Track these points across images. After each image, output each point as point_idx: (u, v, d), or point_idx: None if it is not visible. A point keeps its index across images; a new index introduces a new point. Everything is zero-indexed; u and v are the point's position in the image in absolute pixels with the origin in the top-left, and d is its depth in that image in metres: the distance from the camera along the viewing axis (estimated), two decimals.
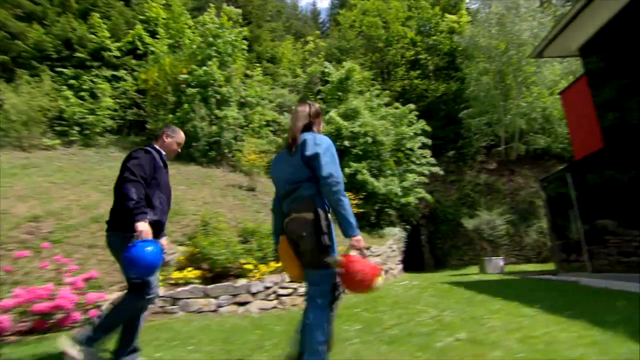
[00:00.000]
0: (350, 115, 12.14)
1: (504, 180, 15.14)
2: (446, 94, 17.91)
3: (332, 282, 2.00)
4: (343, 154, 11.61)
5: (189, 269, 4.86)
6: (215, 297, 4.66)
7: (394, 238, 11.11)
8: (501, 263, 10.20)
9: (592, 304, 4.27)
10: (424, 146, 13.08)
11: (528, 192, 14.16)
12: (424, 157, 12.96)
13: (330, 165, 1.98)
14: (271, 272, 5.14)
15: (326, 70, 14.01)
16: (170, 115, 11.01)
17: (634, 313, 3.57)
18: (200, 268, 5.01)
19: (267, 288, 4.91)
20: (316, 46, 18.72)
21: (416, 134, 12.73)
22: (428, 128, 12.84)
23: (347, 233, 2.00)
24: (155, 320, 4.12)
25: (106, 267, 5.04)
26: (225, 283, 4.79)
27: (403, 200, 11.61)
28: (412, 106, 12.86)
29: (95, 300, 3.79)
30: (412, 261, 13.90)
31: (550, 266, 10.05)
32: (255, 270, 5.01)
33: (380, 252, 8.65)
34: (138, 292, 2.41)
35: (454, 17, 18.52)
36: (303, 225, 2.00)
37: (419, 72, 18.53)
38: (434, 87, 17.85)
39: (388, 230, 11.31)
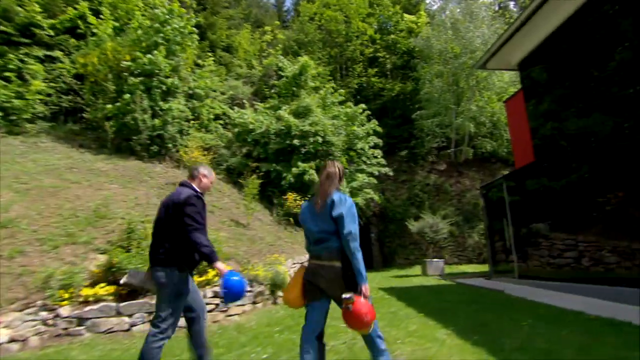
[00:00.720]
0: (302, 113, 11.97)
1: (452, 182, 15.68)
2: (402, 94, 18.16)
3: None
4: (292, 153, 11.46)
5: (102, 284, 4.54)
6: (129, 316, 4.40)
7: None
8: (441, 265, 10.56)
9: (503, 323, 4.44)
10: (375, 146, 13.19)
11: (473, 194, 14.76)
12: (375, 157, 13.07)
13: (351, 224, 2.40)
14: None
15: (281, 64, 13.68)
16: (110, 105, 10.28)
17: (534, 337, 3.74)
18: (115, 282, 4.69)
19: None
20: (274, 37, 18.23)
21: (368, 134, 12.80)
22: (379, 129, 12.93)
23: (358, 280, 2.40)
24: (51, 347, 3.80)
25: (8, 281, 4.61)
26: (141, 300, 4.53)
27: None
28: (363, 106, 12.87)
29: None
30: (363, 259, 14.11)
31: (487, 268, 10.56)
32: None
33: None
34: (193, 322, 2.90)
35: (412, 18, 18.69)
36: (332, 271, 2.42)
37: (376, 69, 18.61)
38: (390, 86, 18.02)
39: None
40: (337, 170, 2.62)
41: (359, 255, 2.40)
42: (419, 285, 8.46)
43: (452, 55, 15.65)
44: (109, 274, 4.74)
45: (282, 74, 13.61)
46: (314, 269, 2.50)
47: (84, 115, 11.23)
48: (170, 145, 10.74)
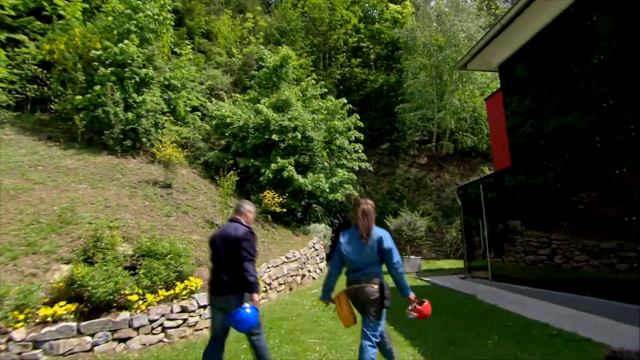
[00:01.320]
0: (282, 107, 11.71)
1: (432, 176, 15.77)
2: (385, 85, 17.96)
3: (379, 327, 3.06)
4: (271, 148, 11.25)
5: (62, 302, 4.36)
6: (91, 335, 4.26)
7: (318, 235, 11.16)
8: (419, 262, 10.68)
9: (471, 339, 4.47)
10: (356, 140, 13.06)
11: (453, 189, 14.87)
12: (356, 151, 12.96)
13: (397, 254, 3.08)
14: (159, 302, 4.79)
15: (262, 55, 13.27)
16: (80, 97, 9.79)
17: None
18: (79, 298, 4.52)
19: (153, 321, 4.58)
20: (256, 24, 17.61)
21: (349, 129, 12.64)
22: (360, 124, 12.79)
23: (405, 294, 3.12)
24: None
25: None
26: (104, 318, 4.38)
27: (331, 196, 11.61)
28: (344, 100, 12.66)
29: None
30: None
31: (463, 264, 10.71)
32: (141, 301, 4.64)
33: (298, 257, 8.58)
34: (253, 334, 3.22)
35: (397, 8, 18.35)
36: (373, 292, 2.99)
37: (360, 60, 18.30)
38: (373, 78, 17.78)
39: (313, 226, 11.31)
40: (370, 207, 3.14)
41: (405, 276, 3.11)
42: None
43: (436, 47, 15.47)
44: (71, 290, 4.54)
45: (263, 64, 13.21)
46: (354, 292, 3.07)
47: (51, 106, 10.67)
48: (144, 139, 10.36)
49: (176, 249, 5.46)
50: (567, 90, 6.05)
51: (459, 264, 12.16)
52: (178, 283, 5.06)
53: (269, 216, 10.13)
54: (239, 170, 10.73)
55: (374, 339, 2.97)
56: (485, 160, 15.82)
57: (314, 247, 10.22)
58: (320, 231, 11.36)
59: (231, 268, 3.12)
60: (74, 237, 5.99)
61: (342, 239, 3.17)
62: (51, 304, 4.42)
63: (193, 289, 5.10)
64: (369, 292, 2.97)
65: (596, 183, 5.54)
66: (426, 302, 3.08)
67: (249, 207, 3.47)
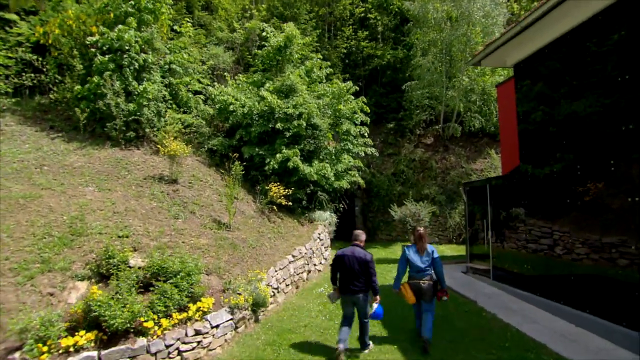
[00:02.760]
0: (286, 92, 11.40)
1: (437, 158, 15.62)
2: (394, 59, 17.25)
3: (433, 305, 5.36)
4: (276, 136, 11.09)
5: (82, 332, 4.55)
6: None
7: (323, 223, 11.31)
8: None
9: None
10: (362, 123, 12.84)
11: (458, 172, 14.82)
12: (362, 135, 12.76)
13: (440, 263, 5.39)
14: (174, 325, 4.99)
15: (265, 33, 12.67)
16: (79, 87, 9.54)
17: None
18: (97, 324, 4.71)
19: (169, 346, 4.80)
20: None
21: (354, 112, 12.38)
22: (367, 108, 12.49)
23: (443, 285, 5.36)
24: None
25: None
26: (122, 346, 4.58)
27: (336, 184, 11.62)
28: (350, 84, 12.27)
29: None
30: (346, 230, 14.51)
31: (465, 251, 10.88)
32: (157, 326, 4.83)
33: (304, 253, 8.77)
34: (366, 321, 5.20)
35: None
36: (430, 285, 5.27)
37: (367, 32, 17.46)
38: (380, 53, 17.05)
39: (318, 214, 11.43)
40: (424, 232, 5.48)
41: (444, 274, 5.38)
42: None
43: (447, 21, 14.68)
44: (89, 318, 4.72)
45: (266, 44, 12.66)
46: (416, 285, 5.29)
47: (50, 96, 10.42)
48: (147, 129, 10.21)
49: (186, 267, 5.59)
50: (581, 87, 5.83)
51: (461, 249, 12.42)
52: (191, 305, 5.23)
53: (274, 207, 10.22)
54: (245, 160, 10.73)
55: (432, 311, 5.26)
56: (492, 141, 15.58)
57: (319, 237, 10.39)
58: (326, 219, 11.50)
59: (362, 278, 4.97)
60: (86, 250, 6.11)
61: (407, 251, 5.40)
62: (71, 331, 4.61)
63: (205, 310, 5.28)
64: (428, 285, 5.23)
65: (599, 175, 5.48)
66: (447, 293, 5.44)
67: (362, 236, 5.38)
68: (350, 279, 4.98)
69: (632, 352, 4.80)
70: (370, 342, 5.29)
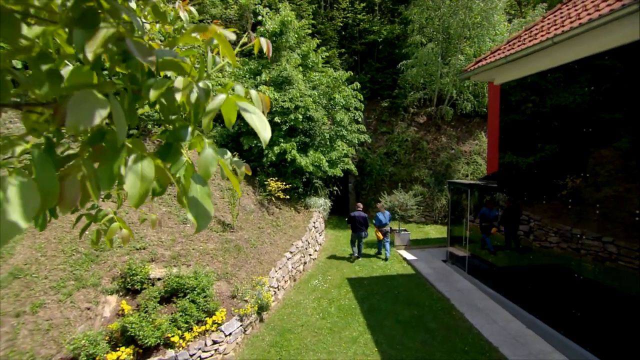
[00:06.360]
0: (282, 83, 11.66)
1: (429, 138, 16.16)
2: (391, 35, 17.02)
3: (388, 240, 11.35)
4: (274, 129, 11.56)
5: (122, 348, 5.59)
6: None
7: (318, 210, 12.22)
8: (408, 237, 12.00)
9: None
10: (356, 109, 13.24)
11: (448, 154, 15.46)
12: (357, 121, 13.22)
13: (388, 221, 11.30)
14: (195, 337, 6.06)
15: (260, 18, 12.51)
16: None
17: None
18: (132, 340, 5.75)
19: (192, 355, 5.89)
20: None
21: (347, 100, 12.74)
22: (361, 96, 12.82)
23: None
24: None
25: (39, 338, 5.57)
26: (156, 358, 5.66)
27: (330, 172, 12.33)
28: (344, 72, 12.47)
29: None
30: (341, 206, 15.55)
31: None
32: (181, 340, 5.89)
33: (300, 247, 9.77)
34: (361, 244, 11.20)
35: None
36: (386, 231, 11.16)
37: (364, 4, 16.95)
38: (377, 28, 16.75)
39: (314, 200, 12.30)
40: (381, 207, 11.34)
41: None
42: (379, 275, 9.90)
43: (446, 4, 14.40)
44: (126, 336, 5.74)
45: (261, 28, 12.56)
46: (380, 230, 11.11)
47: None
48: (149, 126, 10.60)
49: (200, 283, 6.55)
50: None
51: (444, 231, 13.54)
52: (207, 319, 6.26)
53: (273, 198, 11.03)
54: (244, 151, 11.33)
55: (388, 242, 11.06)
56: (483, 121, 16.05)
57: (314, 226, 11.35)
58: (320, 205, 12.39)
59: (363, 225, 10.57)
60: (110, 265, 7.02)
61: (378, 215, 11.06)
62: (112, 346, 5.65)
63: (219, 322, 6.32)
64: (383, 231, 10.99)
65: (579, 165, 6.39)
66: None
67: (360, 206, 10.97)
68: (358, 226, 10.58)
69: (566, 355, 6.00)
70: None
